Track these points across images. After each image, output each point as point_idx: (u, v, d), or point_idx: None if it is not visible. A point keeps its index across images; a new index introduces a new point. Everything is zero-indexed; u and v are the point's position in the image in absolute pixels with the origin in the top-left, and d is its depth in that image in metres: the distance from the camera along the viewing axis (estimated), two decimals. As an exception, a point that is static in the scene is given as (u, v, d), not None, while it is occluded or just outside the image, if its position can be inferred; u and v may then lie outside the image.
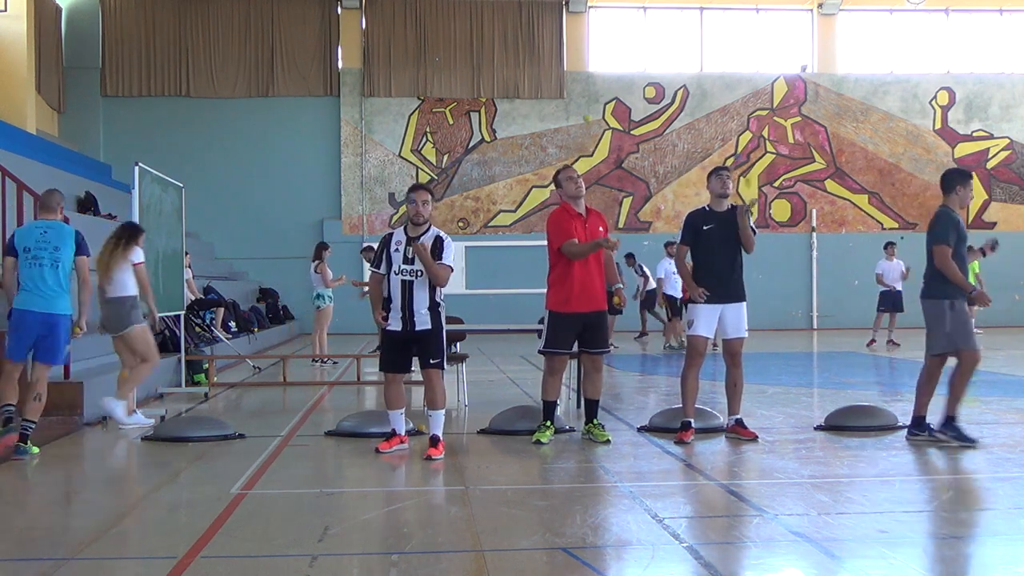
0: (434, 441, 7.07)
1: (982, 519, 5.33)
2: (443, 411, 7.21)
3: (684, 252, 7.97)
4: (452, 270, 7.18)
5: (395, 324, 7.11)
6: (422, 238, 7.09)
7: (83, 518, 5.64)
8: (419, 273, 7.05)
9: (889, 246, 18.42)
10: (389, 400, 7.29)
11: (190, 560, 4.53)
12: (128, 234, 8.82)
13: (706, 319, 7.73)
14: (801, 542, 4.83)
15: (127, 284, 8.65)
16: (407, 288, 7.05)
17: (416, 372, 7.65)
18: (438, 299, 7.18)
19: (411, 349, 7.20)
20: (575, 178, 7.67)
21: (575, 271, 7.51)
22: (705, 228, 7.75)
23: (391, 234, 7.27)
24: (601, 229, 7.66)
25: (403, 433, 7.31)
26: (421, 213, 7.13)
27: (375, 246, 7.63)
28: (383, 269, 7.18)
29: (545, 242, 7.75)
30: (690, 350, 7.83)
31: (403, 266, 7.07)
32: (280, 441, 7.87)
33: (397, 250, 7.11)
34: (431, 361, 7.14)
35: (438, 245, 7.10)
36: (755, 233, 7.83)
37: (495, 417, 8.28)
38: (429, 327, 7.09)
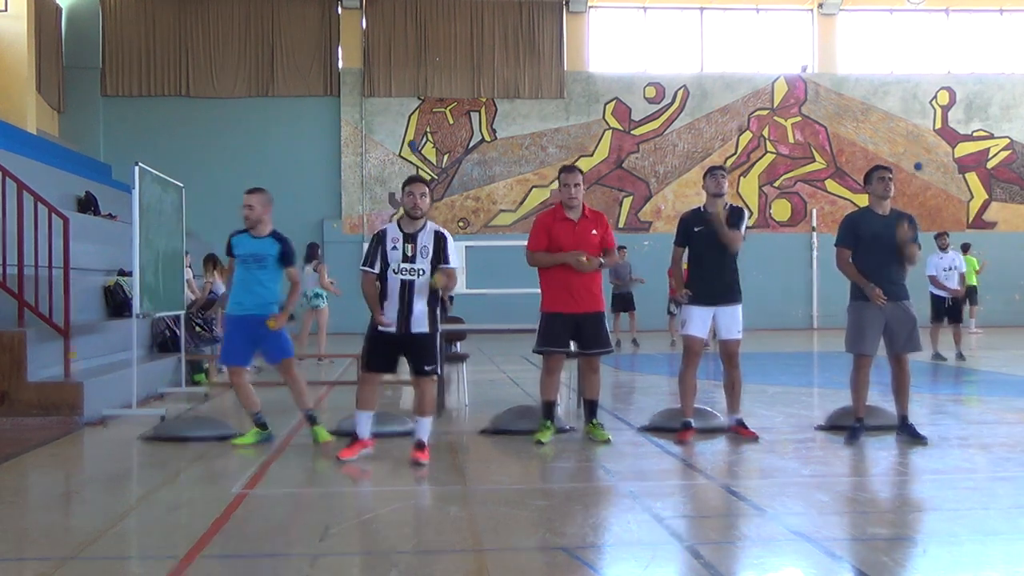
0: (420, 446, 6.83)
1: (982, 519, 5.32)
2: (431, 417, 6.95)
3: (679, 253, 7.95)
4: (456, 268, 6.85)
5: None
6: (420, 234, 6.73)
7: (83, 518, 5.64)
8: (420, 272, 6.68)
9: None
10: (362, 400, 6.88)
11: (190, 560, 4.53)
12: None
13: (698, 319, 7.72)
14: (801, 542, 4.83)
15: None
16: (406, 288, 6.66)
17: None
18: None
19: (400, 351, 6.86)
20: (570, 185, 7.44)
21: (561, 271, 7.40)
22: (696, 230, 7.73)
23: (384, 230, 6.85)
24: (594, 232, 7.51)
25: (367, 437, 6.94)
26: (419, 206, 6.69)
27: None
28: (377, 268, 6.76)
29: None
30: (685, 350, 7.83)
31: (402, 264, 6.66)
32: (280, 441, 7.87)
33: (395, 248, 6.69)
34: (426, 368, 6.76)
35: (441, 244, 6.71)
36: (744, 236, 7.69)
37: (495, 417, 8.28)
38: (426, 330, 6.73)
